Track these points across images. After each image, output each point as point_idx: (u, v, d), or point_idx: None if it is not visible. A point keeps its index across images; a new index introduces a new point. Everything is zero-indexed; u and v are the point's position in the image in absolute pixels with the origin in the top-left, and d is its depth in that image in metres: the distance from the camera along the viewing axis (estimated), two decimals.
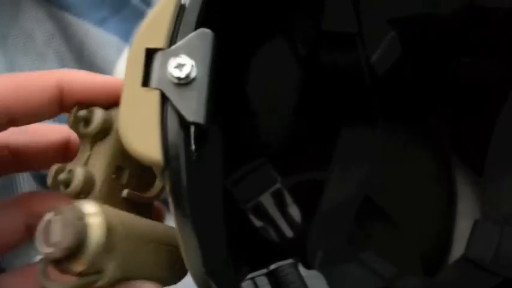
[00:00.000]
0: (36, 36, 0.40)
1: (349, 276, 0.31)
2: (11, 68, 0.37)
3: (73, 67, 0.38)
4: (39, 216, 0.22)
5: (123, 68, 0.25)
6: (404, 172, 0.38)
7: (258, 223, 0.30)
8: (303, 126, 0.32)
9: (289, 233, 0.30)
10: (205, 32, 0.20)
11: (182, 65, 0.19)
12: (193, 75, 0.19)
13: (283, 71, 0.30)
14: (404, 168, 0.38)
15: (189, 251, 0.21)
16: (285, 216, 0.30)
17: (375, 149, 0.33)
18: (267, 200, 0.30)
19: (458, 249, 0.38)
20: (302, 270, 0.26)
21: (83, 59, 0.38)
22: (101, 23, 0.39)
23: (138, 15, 0.41)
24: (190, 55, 0.19)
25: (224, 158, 0.28)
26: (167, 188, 0.20)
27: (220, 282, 0.23)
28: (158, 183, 0.25)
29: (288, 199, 0.31)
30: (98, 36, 0.38)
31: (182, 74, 0.19)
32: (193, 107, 0.19)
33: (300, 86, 0.30)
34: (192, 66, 0.19)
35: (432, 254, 0.37)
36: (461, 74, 0.35)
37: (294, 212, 0.31)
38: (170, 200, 0.20)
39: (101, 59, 0.38)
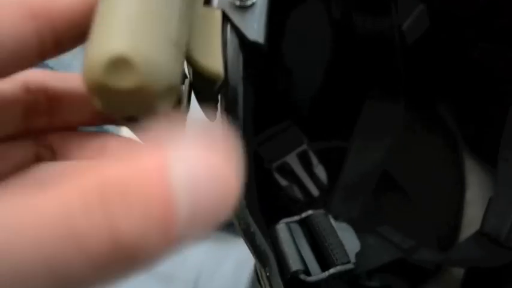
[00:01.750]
0: None
1: (368, 244, 0.31)
2: None
3: None
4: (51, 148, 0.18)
5: None
6: (419, 153, 0.39)
7: (283, 182, 0.30)
8: (331, 93, 0.32)
9: (315, 191, 0.30)
10: None
11: None
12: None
13: (317, 32, 0.30)
14: (418, 150, 0.39)
15: None
16: (311, 175, 0.31)
17: (395, 124, 0.34)
18: (293, 160, 0.30)
19: (466, 235, 0.39)
20: (332, 221, 0.26)
21: None
22: None
23: None
24: None
25: (253, 119, 0.29)
26: (222, 106, 0.20)
27: (257, 218, 0.23)
28: None
29: (314, 160, 0.31)
30: None
31: None
32: (254, 27, 0.20)
33: (332, 49, 0.31)
34: None
35: (444, 233, 0.37)
36: (476, 59, 0.37)
37: (320, 172, 0.31)
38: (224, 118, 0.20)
39: None
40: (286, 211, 0.28)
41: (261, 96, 0.28)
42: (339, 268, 0.24)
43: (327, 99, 0.33)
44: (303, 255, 0.24)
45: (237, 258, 0.38)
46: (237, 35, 0.20)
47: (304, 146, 0.31)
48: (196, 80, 0.20)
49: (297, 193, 0.30)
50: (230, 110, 0.20)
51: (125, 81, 0.14)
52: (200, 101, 0.22)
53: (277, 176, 0.30)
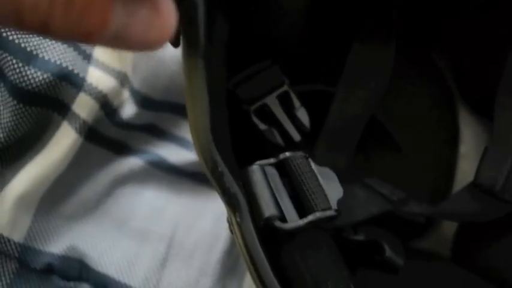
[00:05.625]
0: None
1: (354, 195, 0.29)
2: None
3: None
4: None
5: None
6: (410, 101, 0.36)
7: (262, 126, 0.28)
8: (315, 32, 0.29)
9: (296, 136, 0.28)
10: None
11: None
12: None
13: None
14: (410, 97, 0.36)
15: (197, 105, 0.19)
16: (292, 118, 0.28)
17: (385, 68, 0.31)
18: (273, 102, 0.28)
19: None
20: (313, 165, 0.23)
21: None
22: None
23: None
24: None
25: (229, 58, 0.26)
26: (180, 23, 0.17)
27: (227, 157, 0.21)
28: None
29: (296, 102, 0.28)
30: None
31: None
32: None
33: None
34: None
35: (436, 186, 0.35)
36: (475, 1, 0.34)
37: (303, 115, 0.28)
38: (182, 35, 0.17)
39: None
40: (264, 156, 0.26)
41: (237, 33, 0.25)
42: (318, 215, 0.21)
43: (310, 38, 0.30)
44: (279, 200, 0.21)
45: (216, 212, 0.36)
46: None
47: (285, 87, 0.28)
48: None
49: (277, 138, 0.28)
50: (189, 21, 0.17)
51: None
52: None
53: (256, 120, 0.28)
